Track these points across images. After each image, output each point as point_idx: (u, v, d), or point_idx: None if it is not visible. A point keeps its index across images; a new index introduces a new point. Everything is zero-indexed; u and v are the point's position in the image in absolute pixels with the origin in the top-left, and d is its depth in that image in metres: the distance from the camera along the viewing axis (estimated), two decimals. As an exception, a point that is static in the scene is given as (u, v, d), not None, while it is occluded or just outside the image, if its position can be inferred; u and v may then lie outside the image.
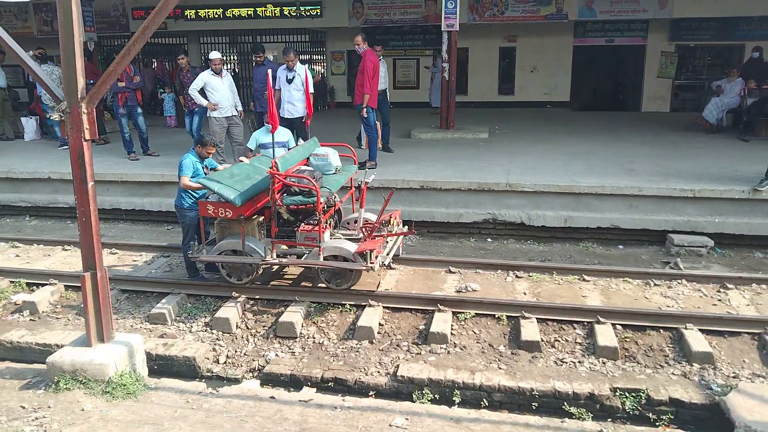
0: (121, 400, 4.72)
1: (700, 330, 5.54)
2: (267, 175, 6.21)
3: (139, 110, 10.84)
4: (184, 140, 11.11)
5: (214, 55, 9.35)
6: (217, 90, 9.26)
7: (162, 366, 5.65)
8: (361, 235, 6.61)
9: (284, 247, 6.54)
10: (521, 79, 17.96)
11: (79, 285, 5.07)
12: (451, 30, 11.85)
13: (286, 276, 7.03)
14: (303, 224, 6.46)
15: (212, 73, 9.26)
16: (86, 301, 4.90)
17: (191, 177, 6.36)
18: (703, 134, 12.31)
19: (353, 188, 7.32)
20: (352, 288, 6.36)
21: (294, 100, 9.14)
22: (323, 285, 6.40)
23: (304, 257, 6.36)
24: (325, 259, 6.15)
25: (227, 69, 19.03)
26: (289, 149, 7.78)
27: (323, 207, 6.23)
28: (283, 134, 7.62)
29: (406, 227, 7.19)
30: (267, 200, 6.33)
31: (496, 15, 15.97)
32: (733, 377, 5.06)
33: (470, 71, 18.00)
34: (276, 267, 6.86)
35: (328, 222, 6.65)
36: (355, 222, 6.99)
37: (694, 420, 4.76)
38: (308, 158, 6.92)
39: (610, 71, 19.00)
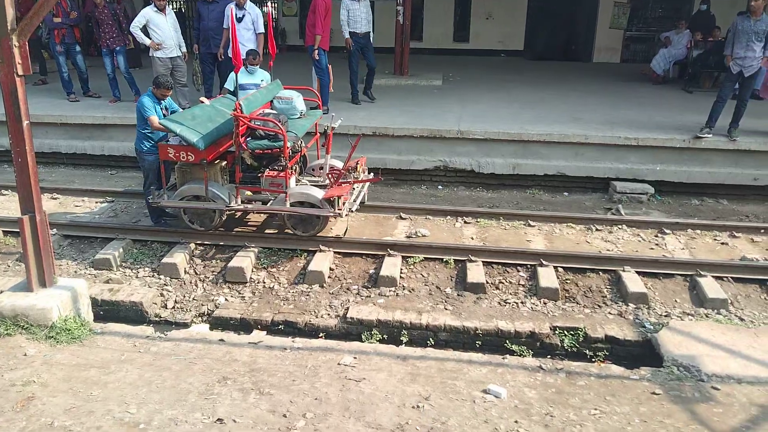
0: (66, 344, 4.66)
1: (636, 272, 5.82)
2: (230, 118, 6.03)
3: (78, 48, 10.26)
4: (125, 80, 10.60)
5: None
6: (161, 28, 8.85)
7: (108, 312, 5.59)
8: (327, 181, 6.51)
9: (249, 193, 6.41)
10: (476, 27, 17.79)
11: (18, 230, 4.90)
12: (405, -27, 11.58)
13: (249, 223, 6.93)
14: (268, 170, 6.32)
15: (155, 9, 8.82)
16: (25, 245, 4.75)
17: None
18: (650, 85, 12.58)
19: (317, 134, 7.21)
20: (317, 235, 6.31)
21: (243, 40, 8.82)
22: (289, 231, 6.34)
23: (269, 204, 6.26)
24: (291, 205, 6.07)
25: (173, 7, 18.21)
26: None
27: (289, 152, 6.11)
28: (259, 76, 7.42)
29: (372, 174, 7.18)
30: (230, 144, 6.18)
31: (452, -41, 15.65)
32: (665, 316, 5.37)
33: (425, 17, 17.71)
34: (239, 213, 6.77)
35: (294, 168, 6.53)
36: (321, 168, 6.87)
37: (627, 356, 5.04)
38: (272, 101, 6.73)
39: (563, 21, 19.01)
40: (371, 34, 9.91)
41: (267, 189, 6.27)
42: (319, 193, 6.08)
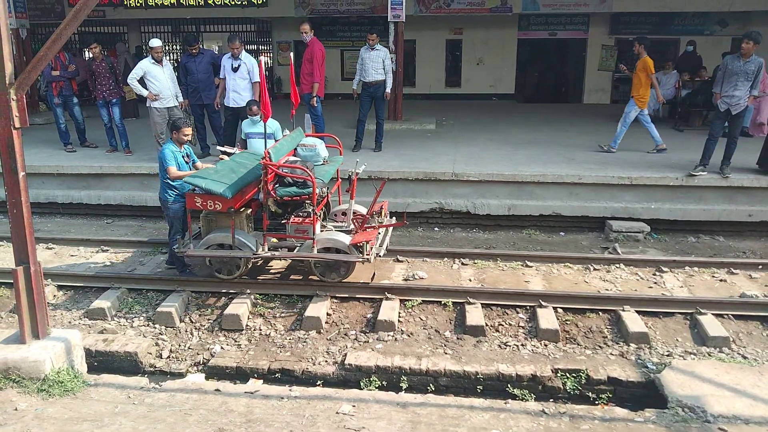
0: (59, 397, 4.56)
1: (636, 311, 5.77)
2: (252, 168, 6.12)
3: (75, 100, 10.44)
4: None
5: (155, 42, 9.06)
6: (158, 79, 8.99)
7: (102, 362, 5.50)
8: (352, 226, 6.46)
9: (274, 240, 6.38)
10: (468, 72, 18.18)
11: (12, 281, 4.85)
12: (397, 21, 11.87)
13: (272, 270, 6.88)
14: (293, 216, 6.31)
15: (152, 61, 8.99)
16: (19, 296, 4.69)
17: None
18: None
19: (339, 179, 7.23)
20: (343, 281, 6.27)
21: (239, 89, 8.98)
22: (315, 278, 6.30)
23: (296, 250, 6.22)
24: (318, 251, 6.04)
25: (170, 59, 18.57)
26: (276, 141, 7.68)
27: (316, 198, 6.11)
28: (271, 125, 7.53)
29: (394, 218, 7.09)
30: (254, 192, 6.23)
31: (443, 7, 16.10)
32: (667, 355, 5.30)
33: (418, 63, 18.10)
34: (261, 261, 6.71)
35: (318, 214, 6.51)
36: (343, 214, 6.82)
37: (631, 397, 4.95)
38: (295, 149, 6.77)
39: (553, 64, 19.44)
40: (387, 83, 9.90)
41: (293, 236, 6.21)
42: (347, 239, 6.05)
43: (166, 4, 16.41)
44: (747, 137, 10.79)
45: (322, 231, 6.30)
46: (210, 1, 16.33)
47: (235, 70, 8.86)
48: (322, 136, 7.29)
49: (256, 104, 7.58)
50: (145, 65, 8.97)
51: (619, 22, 16.85)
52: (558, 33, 17.32)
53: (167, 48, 18.77)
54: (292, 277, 6.65)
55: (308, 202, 6.15)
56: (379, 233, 6.53)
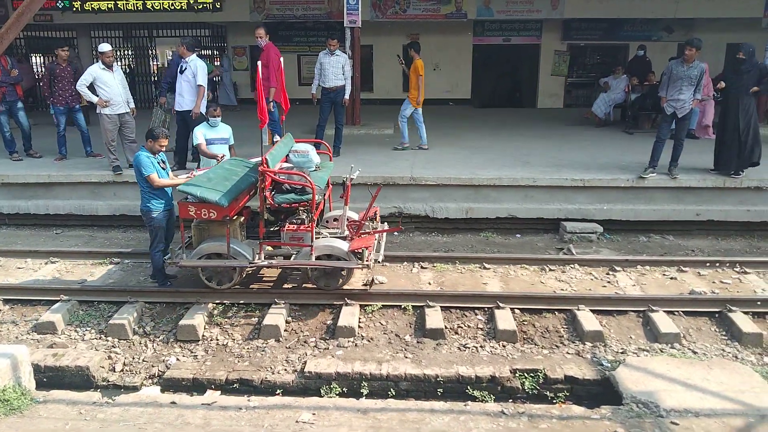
0: (4, 416, 4.36)
1: (591, 310, 5.90)
2: (244, 175, 5.99)
3: (20, 105, 10.03)
4: (74, 138, 10.35)
5: (105, 47, 8.79)
6: (109, 85, 8.73)
7: (52, 378, 5.30)
8: (347, 232, 6.37)
9: (269, 248, 6.25)
10: (425, 77, 18.25)
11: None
12: (353, 26, 11.88)
13: (264, 278, 6.75)
14: (288, 224, 6.19)
15: (102, 66, 8.73)
16: (-41, 312, 4.49)
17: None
18: (593, 128, 13.11)
19: (330, 186, 7.11)
20: (342, 287, 6.18)
21: (183, 92, 8.77)
22: (310, 285, 6.20)
23: (293, 258, 6.10)
24: (317, 258, 5.94)
25: (121, 64, 18.12)
26: (230, 147, 7.54)
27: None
28: (224, 130, 7.38)
29: (386, 224, 7.00)
30: (247, 199, 6.11)
31: (399, 13, 16.19)
32: (622, 353, 5.42)
33: (375, 68, 18.14)
34: (252, 269, 6.58)
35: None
36: (335, 220, 6.73)
37: (587, 395, 5.04)
38: (287, 155, 6.64)
39: (508, 70, 19.77)
40: (346, 89, 9.91)
41: (288, 243, 6.11)
42: (345, 245, 5.97)
43: (123, 8, 15.99)
44: (693, 139, 11.18)
45: (317, 238, 6.20)
46: (163, 6, 15.98)
47: (182, 71, 8.69)
48: (312, 142, 7.18)
49: (216, 106, 7.46)
50: (95, 71, 8.70)
51: (571, 28, 17.27)
52: (512, 39, 17.62)
53: (119, 53, 18.33)
54: (251, 285, 6.54)
55: (302, 208, 6.07)
56: (376, 238, 6.47)
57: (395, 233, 8.52)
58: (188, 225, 6.25)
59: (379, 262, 6.22)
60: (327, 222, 6.90)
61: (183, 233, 6.12)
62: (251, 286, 6.53)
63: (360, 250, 5.93)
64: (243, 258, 5.93)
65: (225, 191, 5.73)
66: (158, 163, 6.09)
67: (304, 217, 6.21)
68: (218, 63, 18.04)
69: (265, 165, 5.67)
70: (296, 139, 6.93)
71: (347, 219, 6.57)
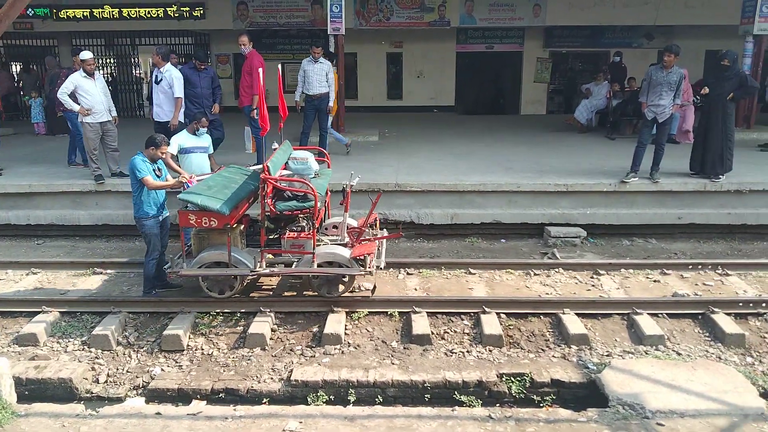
0: (-16, 431, 4.29)
1: (576, 314, 5.94)
2: (243, 183, 5.93)
3: None
4: (54, 147, 10.25)
5: (86, 55, 8.69)
6: (90, 93, 8.63)
7: (34, 391, 5.20)
8: (347, 239, 6.32)
9: (270, 256, 6.20)
10: (409, 85, 18.41)
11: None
12: (337, 34, 11.90)
13: (263, 287, 6.69)
14: (288, 231, 6.13)
15: (84, 75, 8.64)
16: (-63, 324, 4.40)
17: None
18: (575, 134, 13.24)
19: (329, 192, 7.08)
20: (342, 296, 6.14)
21: (161, 103, 8.72)
22: (310, 293, 6.15)
23: (294, 265, 6.06)
24: (319, 266, 5.89)
25: (103, 72, 17.99)
26: (209, 156, 7.47)
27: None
28: (205, 140, 7.32)
29: (385, 230, 6.98)
30: (246, 207, 6.07)
31: (382, 21, 16.27)
32: (607, 355, 5.46)
33: (360, 76, 18.20)
34: (251, 278, 6.54)
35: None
36: (334, 227, 6.66)
37: (574, 398, 5.06)
38: (286, 162, 6.58)
39: (491, 77, 19.94)
40: (330, 96, 9.95)
41: (289, 251, 6.05)
42: (347, 252, 5.94)
43: (99, 16, 15.89)
44: (674, 144, 11.34)
45: (318, 245, 6.14)
46: (140, 14, 15.90)
47: (157, 82, 8.63)
48: (310, 149, 7.14)
49: (205, 116, 7.40)
50: (76, 79, 8.60)
51: (553, 36, 17.48)
52: (495, 46, 17.79)
53: (101, 61, 18.19)
54: (251, 294, 6.50)
55: (302, 216, 6.04)
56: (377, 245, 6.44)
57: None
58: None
59: (381, 268, 6.21)
60: (326, 229, 6.84)
61: (183, 242, 6.06)
62: (251, 295, 6.48)
63: (362, 257, 5.92)
64: (244, 266, 5.89)
65: (225, 199, 5.69)
66: (154, 170, 6.04)
67: (304, 224, 6.17)
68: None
69: (266, 172, 5.65)
70: (304, 147, 6.90)
71: (349, 227, 6.55)
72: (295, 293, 6.51)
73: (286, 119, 7.09)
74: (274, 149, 6.57)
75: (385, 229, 7.11)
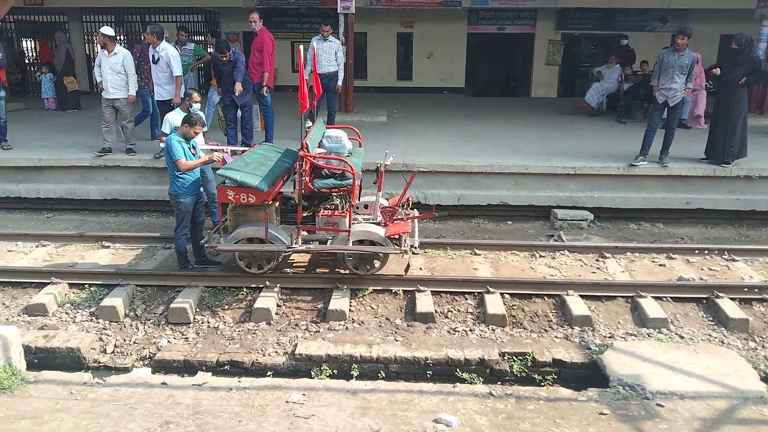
0: (-6, 396, 4.39)
1: (580, 296, 5.95)
2: (278, 159, 5.96)
3: (2, 93, 9.39)
4: (64, 122, 10.28)
5: (102, 30, 8.64)
6: (102, 69, 8.68)
7: (43, 359, 5.31)
8: (380, 218, 6.31)
9: (305, 233, 6.23)
10: (419, 65, 18.27)
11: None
12: (347, 12, 11.82)
13: (295, 264, 6.74)
14: (322, 209, 6.17)
15: (102, 50, 8.68)
16: (-51, 292, 4.48)
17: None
18: (586, 117, 13.13)
19: (361, 171, 7.07)
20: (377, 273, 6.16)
21: (161, 83, 8.70)
22: (346, 271, 6.19)
23: (329, 243, 6.10)
24: (353, 244, 5.93)
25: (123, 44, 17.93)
26: (204, 133, 7.42)
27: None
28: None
29: (415, 210, 6.98)
30: (281, 184, 6.14)
31: (393, 0, 16.11)
32: (609, 337, 5.48)
33: (369, 56, 18.08)
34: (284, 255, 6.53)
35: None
36: (365, 206, 6.59)
37: (575, 378, 5.10)
38: (321, 141, 6.56)
39: (502, 58, 19.75)
40: (339, 75, 9.95)
41: (324, 228, 6.09)
42: (382, 231, 5.96)
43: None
44: (685, 129, 11.24)
45: (353, 223, 6.15)
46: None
47: (155, 61, 8.58)
48: (343, 128, 7.11)
49: (197, 92, 7.35)
50: (100, 53, 8.67)
51: (565, 18, 17.25)
52: (506, 28, 17.58)
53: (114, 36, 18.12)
54: (285, 270, 6.54)
55: (336, 194, 6.08)
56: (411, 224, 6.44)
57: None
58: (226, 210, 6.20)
59: (415, 247, 6.23)
60: (357, 208, 6.77)
61: (220, 217, 6.10)
62: (285, 271, 6.51)
63: (396, 236, 5.94)
64: (280, 243, 5.93)
65: (263, 176, 5.70)
66: (189, 148, 6.01)
67: (337, 202, 6.19)
68: (211, 49, 17.89)
69: (305, 150, 5.65)
70: (336, 125, 6.86)
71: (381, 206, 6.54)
72: (327, 270, 6.51)
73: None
74: (308, 128, 6.54)
75: (415, 210, 7.09)
